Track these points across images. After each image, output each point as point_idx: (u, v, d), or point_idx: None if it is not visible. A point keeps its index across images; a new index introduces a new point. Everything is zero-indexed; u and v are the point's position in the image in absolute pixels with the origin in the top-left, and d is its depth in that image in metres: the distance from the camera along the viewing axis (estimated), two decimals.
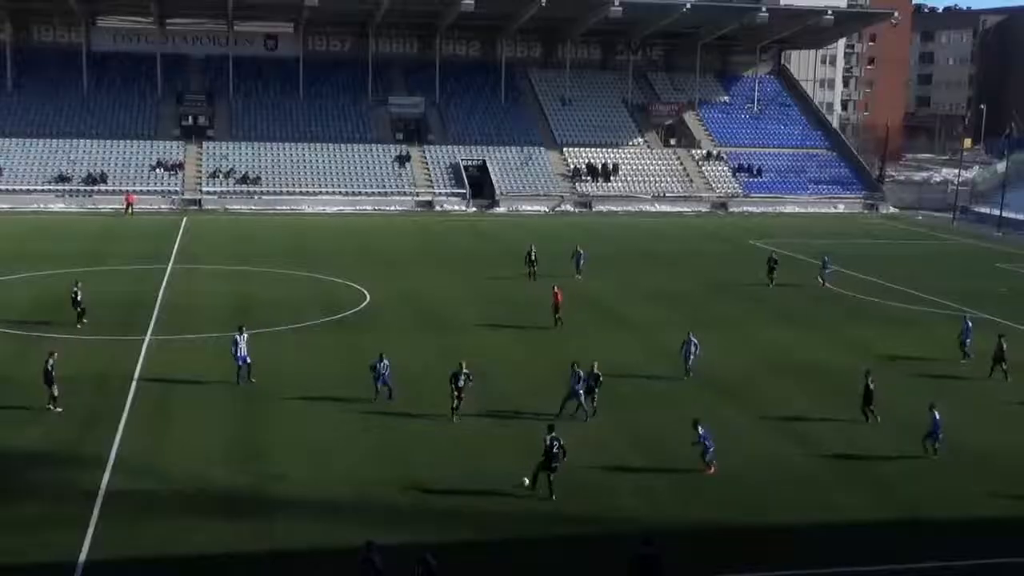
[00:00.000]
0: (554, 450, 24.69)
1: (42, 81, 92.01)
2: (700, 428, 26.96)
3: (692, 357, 35.60)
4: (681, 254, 64.86)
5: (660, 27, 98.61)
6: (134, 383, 33.32)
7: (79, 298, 41.14)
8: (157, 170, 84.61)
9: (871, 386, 31.41)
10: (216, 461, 26.88)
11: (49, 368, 30.10)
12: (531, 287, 50.97)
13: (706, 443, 26.81)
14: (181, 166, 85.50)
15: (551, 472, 24.78)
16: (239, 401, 31.99)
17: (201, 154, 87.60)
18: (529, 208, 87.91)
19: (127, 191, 79.86)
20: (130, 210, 77.11)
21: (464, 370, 30.77)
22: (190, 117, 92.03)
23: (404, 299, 48.10)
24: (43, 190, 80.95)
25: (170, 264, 55.40)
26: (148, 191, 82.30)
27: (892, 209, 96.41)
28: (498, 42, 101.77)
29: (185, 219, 74.71)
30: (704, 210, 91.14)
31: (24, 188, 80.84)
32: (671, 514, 24.53)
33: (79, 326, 40.42)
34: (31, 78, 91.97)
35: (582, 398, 30.70)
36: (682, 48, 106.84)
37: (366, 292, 48.99)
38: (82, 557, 21.41)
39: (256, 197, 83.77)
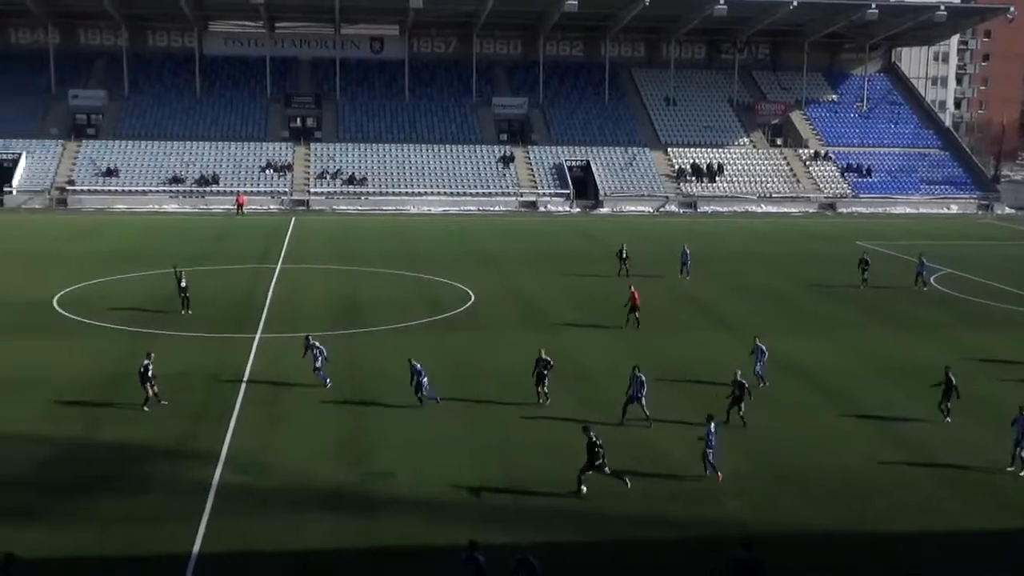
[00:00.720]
0: (596, 448, 24.67)
1: (156, 85, 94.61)
2: (712, 424, 26.21)
3: (759, 364, 34.15)
4: (786, 255, 63.95)
5: (766, 25, 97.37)
6: (245, 380, 33.99)
7: (183, 284, 42.92)
8: (266, 171, 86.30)
9: (952, 380, 30.68)
10: (323, 458, 27.27)
11: (143, 369, 30.74)
12: (622, 284, 50.85)
13: (710, 441, 25.95)
14: (290, 167, 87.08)
15: (601, 470, 24.75)
16: (348, 398, 32.41)
17: (309, 155, 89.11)
18: (633, 209, 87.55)
19: (238, 192, 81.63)
20: (241, 210, 78.83)
21: (543, 356, 31.65)
22: (298, 119, 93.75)
23: (508, 299, 48.28)
24: (158, 191, 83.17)
25: (279, 263, 56.45)
26: (258, 192, 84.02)
27: (1008, 210, 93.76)
28: (601, 42, 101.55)
29: (293, 219, 76.03)
30: (812, 211, 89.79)
31: (140, 189, 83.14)
32: (774, 519, 24.17)
33: (184, 313, 42.13)
34: (146, 82, 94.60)
35: (643, 403, 30.18)
36: (789, 46, 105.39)
37: (471, 292, 49.30)
38: (195, 549, 21.90)
39: (362, 198, 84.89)
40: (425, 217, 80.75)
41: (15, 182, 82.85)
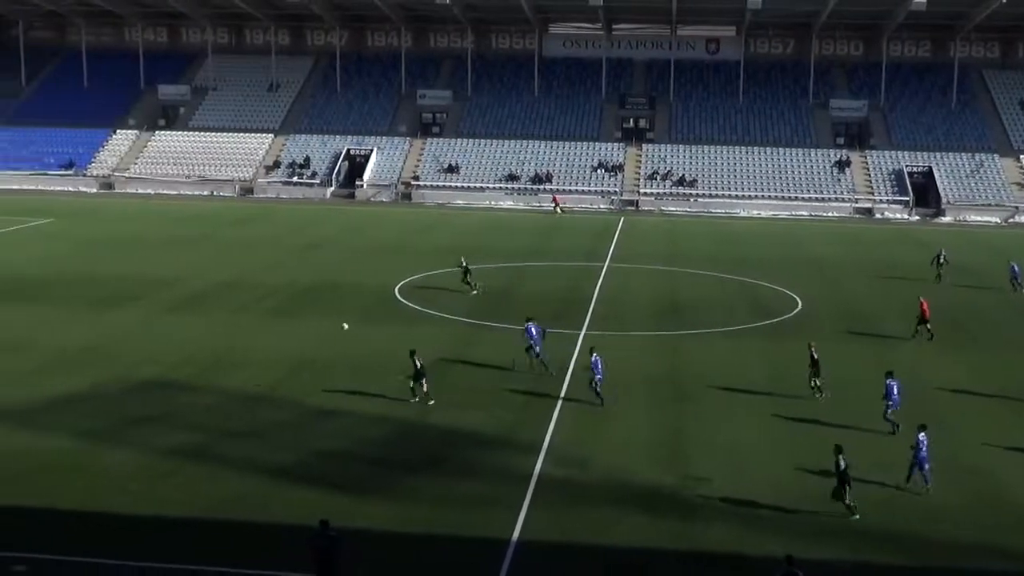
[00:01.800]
0: (841, 467, 23.49)
1: (497, 86, 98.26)
2: (922, 435, 24.89)
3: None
4: None
5: None
6: (568, 374, 34.74)
7: (467, 268, 47.76)
8: (598, 171, 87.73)
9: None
10: (642, 457, 27.48)
11: (419, 366, 31.72)
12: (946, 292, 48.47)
13: (920, 451, 24.60)
14: (621, 167, 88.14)
15: (845, 490, 23.57)
16: (668, 399, 32.52)
17: (640, 156, 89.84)
18: (978, 218, 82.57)
19: (554, 191, 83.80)
20: (557, 209, 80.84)
21: (813, 353, 32.30)
22: (631, 120, 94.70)
23: (836, 308, 46.78)
24: (494, 188, 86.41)
25: (606, 262, 57.29)
26: (588, 191, 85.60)
27: None
28: (951, 41, 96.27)
29: (622, 219, 76.90)
30: None
31: (478, 186, 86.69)
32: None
33: (474, 293, 46.73)
34: (488, 83, 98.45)
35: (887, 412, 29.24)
36: None
37: (798, 299, 48.14)
38: (515, 536, 22.63)
39: (691, 199, 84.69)
40: (754, 221, 79.53)
41: (366, 176, 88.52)
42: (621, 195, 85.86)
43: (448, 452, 27.63)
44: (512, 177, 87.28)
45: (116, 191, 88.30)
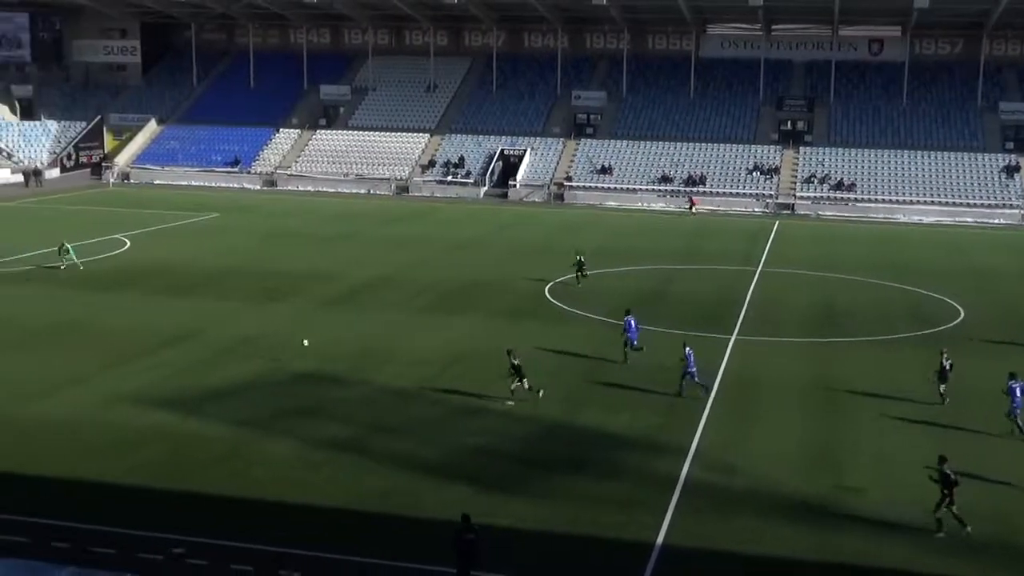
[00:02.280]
0: (951, 478, 22.70)
1: (653, 87, 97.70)
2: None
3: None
4: None
5: None
6: (718, 378, 34.39)
7: (582, 261, 49.31)
8: (753, 173, 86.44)
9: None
10: (790, 465, 27.02)
11: (516, 364, 31.51)
12: None
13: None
14: (777, 170, 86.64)
15: (946, 503, 22.75)
16: (819, 407, 31.90)
17: (797, 159, 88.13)
18: None
19: (689, 192, 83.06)
20: (693, 209, 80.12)
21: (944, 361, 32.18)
22: (789, 122, 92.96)
23: (1001, 318, 44.99)
24: (647, 190, 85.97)
25: (760, 266, 56.42)
26: (742, 194, 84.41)
27: None
28: None
29: (777, 223, 75.63)
30: None
31: (630, 187, 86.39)
32: None
33: (579, 285, 48.37)
34: (643, 84, 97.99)
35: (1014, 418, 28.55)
36: None
37: (960, 308, 46.51)
38: (659, 540, 22.53)
39: (850, 204, 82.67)
40: (915, 227, 77.14)
41: (519, 176, 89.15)
42: (776, 198, 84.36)
43: (593, 453, 27.68)
44: (665, 179, 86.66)
45: (278, 188, 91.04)
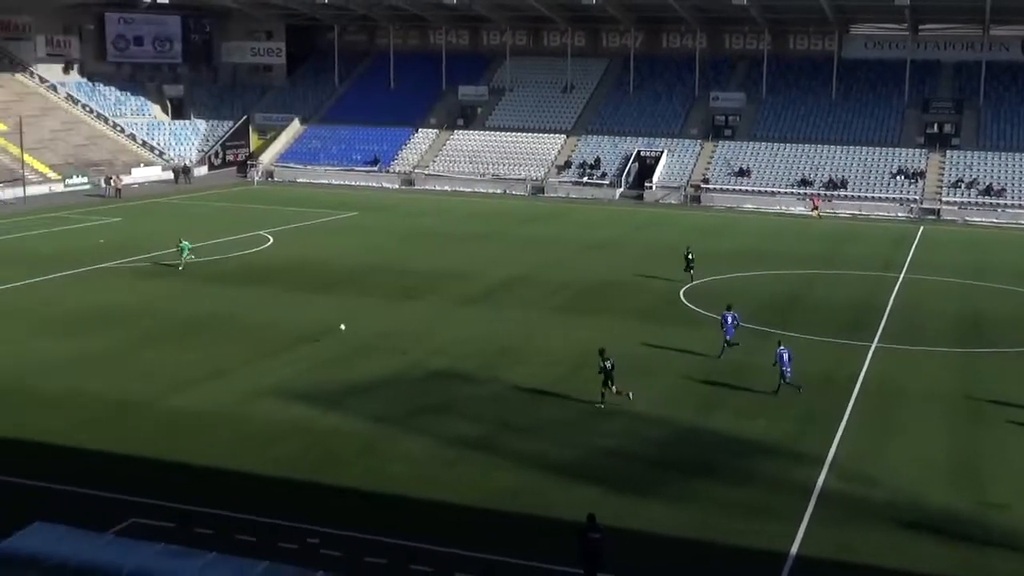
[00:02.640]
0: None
1: (793, 88, 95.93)
2: None
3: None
4: None
5: None
6: (857, 387, 33.61)
7: (690, 258, 49.85)
8: (896, 178, 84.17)
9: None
10: (933, 478, 26.23)
11: (607, 367, 30.99)
12: None
13: None
14: (922, 174, 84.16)
15: None
16: (962, 419, 30.92)
17: (944, 163, 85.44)
18: None
19: (814, 194, 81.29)
20: (818, 212, 78.39)
21: None
22: (935, 125, 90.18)
23: None
24: (785, 193, 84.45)
25: (902, 273, 54.91)
26: (885, 198, 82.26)
27: None
28: None
29: (921, 228, 73.50)
30: None
31: (768, 190, 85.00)
32: None
33: (691, 280, 49.15)
34: (783, 85, 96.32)
35: None
36: None
37: None
38: (793, 550, 22.12)
39: (999, 210, 79.77)
40: None
41: (655, 178, 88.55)
42: (921, 203, 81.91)
43: (726, 458, 27.34)
44: (804, 182, 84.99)
45: (415, 187, 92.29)
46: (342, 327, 38.41)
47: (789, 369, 32.10)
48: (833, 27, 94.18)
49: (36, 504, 23.20)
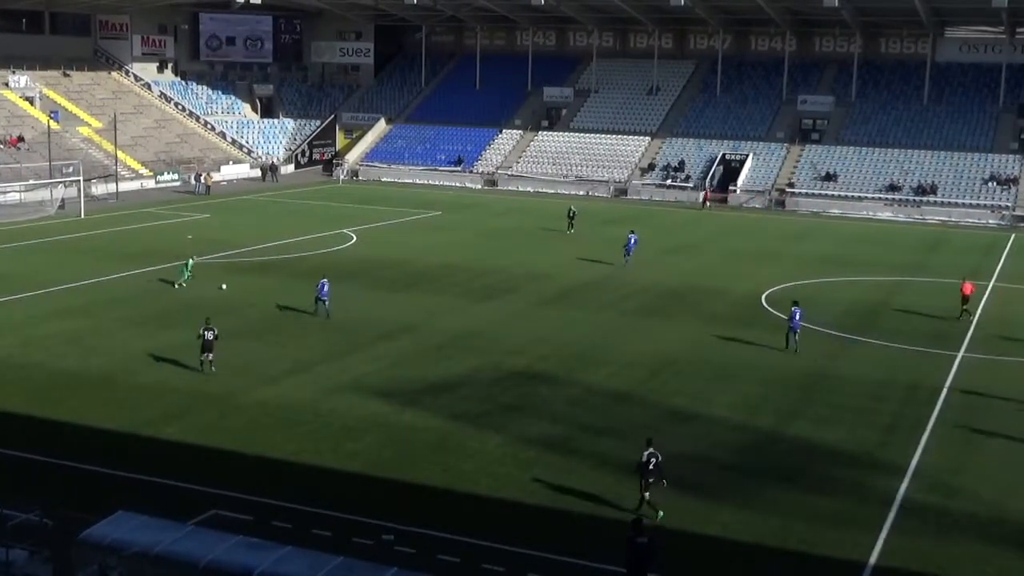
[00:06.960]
0: None
1: (884, 92, 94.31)
2: None
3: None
4: None
5: None
6: (942, 397, 32.98)
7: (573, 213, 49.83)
8: (989, 184, 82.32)
9: None
10: (1018, 490, 25.61)
11: (644, 461, 30.34)
12: None
13: None
14: (1015, 181, 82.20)
15: None
16: None
17: None
18: None
19: (704, 189, 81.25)
20: (709, 205, 79.50)
21: None
22: None
23: None
24: (873, 198, 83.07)
25: (992, 281, 53.69)
26: (976, 204, 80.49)
27: None
28: None
29: (1013, 236, 71.79)
30: None
31: (856, 195, 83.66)
32: None
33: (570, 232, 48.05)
34: (874, 89, 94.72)
35: None
36: None
37: None
38: (872, 560, 21.78)
39: None
40: None
41: (740, 181, 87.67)
42: (1014, 210, 79.97)
43: (805, 466, 27.01)
44: (893, 187, 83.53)
45: (498, 188, 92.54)
46: (223, 286, 41.43)
47: (796, 327, 36.76)
48: (927, 30, 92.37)
49: (121, 493, 23.78)
